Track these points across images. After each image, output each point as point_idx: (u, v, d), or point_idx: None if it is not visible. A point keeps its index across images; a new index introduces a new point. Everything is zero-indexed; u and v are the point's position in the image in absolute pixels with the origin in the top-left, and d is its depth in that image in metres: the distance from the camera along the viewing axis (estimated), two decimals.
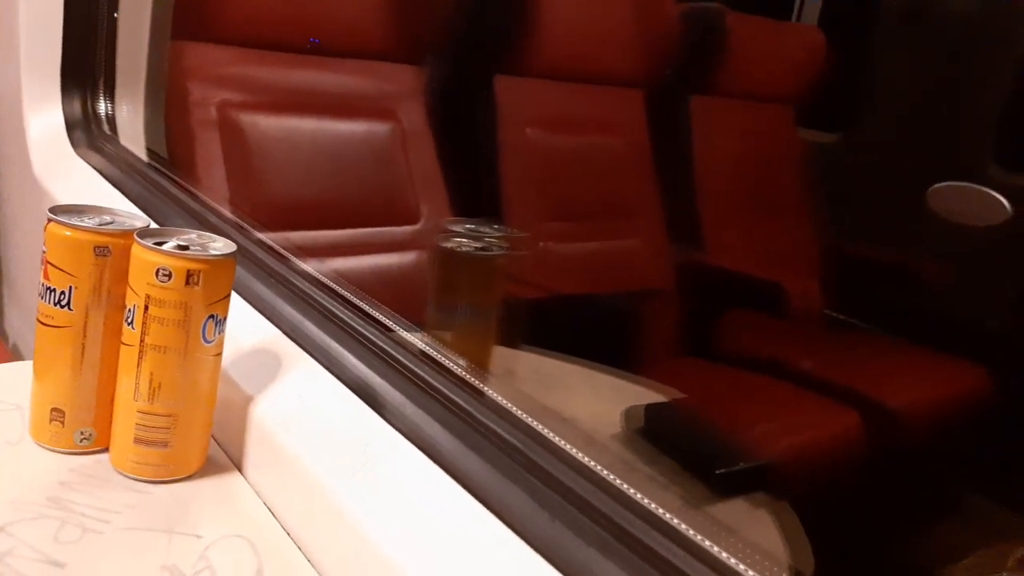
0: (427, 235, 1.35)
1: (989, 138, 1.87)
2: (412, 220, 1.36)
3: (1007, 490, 1.48)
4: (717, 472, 0.78)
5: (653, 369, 1.51)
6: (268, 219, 1.18)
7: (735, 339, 1.70)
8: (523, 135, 1.53)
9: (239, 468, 0.60)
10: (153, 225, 0.59)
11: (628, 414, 0.80)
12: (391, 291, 1.31)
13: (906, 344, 1.74)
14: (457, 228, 0.77)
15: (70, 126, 1.04)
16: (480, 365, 0.63)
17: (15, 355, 1.26)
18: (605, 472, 0.47)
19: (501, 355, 0.77)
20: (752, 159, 1.90)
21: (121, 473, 0.56)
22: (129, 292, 0.54)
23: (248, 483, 0.59)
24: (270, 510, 0.56)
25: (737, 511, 0.69)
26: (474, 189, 1.49)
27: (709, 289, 1.73)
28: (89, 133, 1.04)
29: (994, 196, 1.78)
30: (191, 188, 0.93)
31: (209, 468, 0.59)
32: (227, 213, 0.90)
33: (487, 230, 0.76)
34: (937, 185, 1.81)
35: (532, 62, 1.54)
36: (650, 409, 0.82)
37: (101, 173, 0.96)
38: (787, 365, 1.55)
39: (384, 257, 1.34)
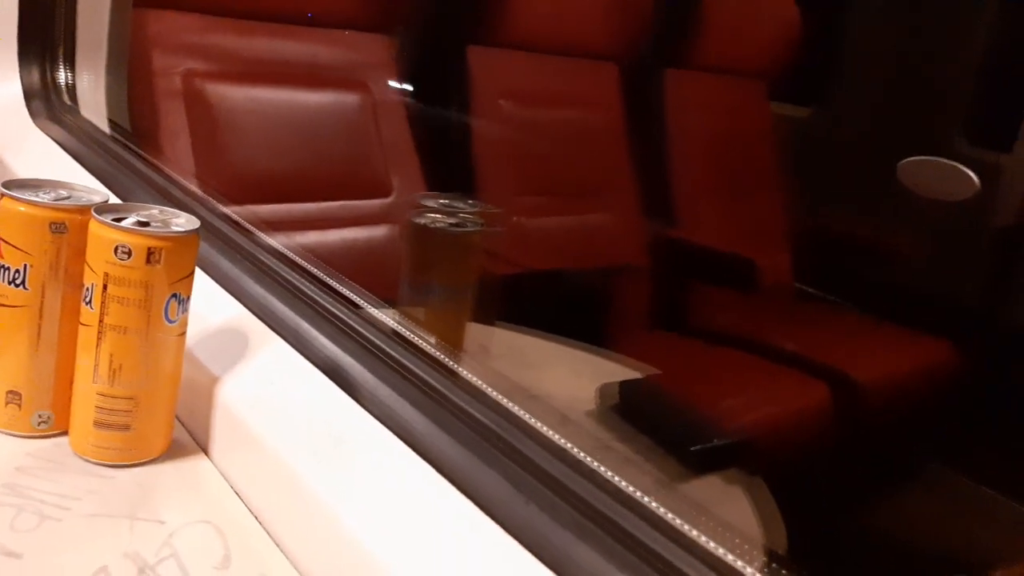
0: (398, 208, 1.33)
1: (957, 112, 1.88)
2: (383, 193, 1.34)
3: (971, 462, 1.51)
4: (691, 449, 0.78)
5: (626, 344, 1.51)
6: (234, 192, 1.15)
7: (707, 314, 1.70)
8: (496, 107, 1.51)
9: (205, 451, 0.58)
10: (113, 199, 0.56)
11: (603, 391, 0.79)
12: (361, 266, 1.30)
13: (875, 318, 1.76)
14: (431, 203, 0.75)
15: (28, 96, 1.00)
16: (454, 343, 0.62)
17: None
18: (580, 453, 0.46)
19: (475, 332, 0.76)
20: (725, 133, 1.90)
21: (81, 457, 0.55)
22: (87, 270, 0.52)
23: (215, 467, 0.57)
24: (238, 495, 0.55)
25: (711, 488, 0.69)
26: (447, 162, 1.47)
27: (682, 264, 1.73)
28: (48, 104, 1.01)
29: (963, 171, 1.79)
30: (155, 161, 0.90)
31: (174, 452, 0.58)
32: (192, 187, 0.88)
33: (461, 205, 0.75)
34: (908, 159, 1.82)
35: (506, 33, 1.51)
36: (625, 386, 0.82)
37: (61, 145, 0.92)
38: (758, 340, 1.56)
39: (354, 231, 1.31)
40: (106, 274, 0.51)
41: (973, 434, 1.53)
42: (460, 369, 0.54)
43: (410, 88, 1.41)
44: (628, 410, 0.76)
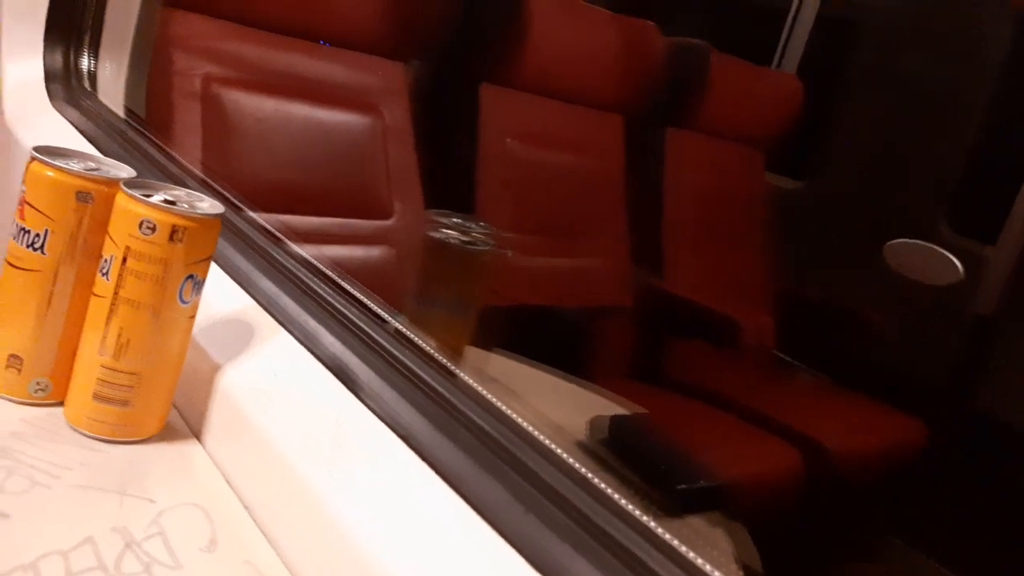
0: (398, 232, 1.34)
1: (943, 199, 1.94)
2: (384, 215, 1.35)
3: (924, 536, 1.54)
4: (679, 488, 0.79)
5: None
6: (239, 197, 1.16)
7: (686, 368, 1.72)
8: (503, 145, 1.54)
9: (198, 437, 0.58)
10: None
11: (593, 424, 0.79)
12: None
13: (848, 390, 1.79)
14: (444, 220, 0.76)
15: (49, 78, 1.01)
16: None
17: None
18: (582, 468, 0.47)
19: (474, 353, 0.76)
20: (719, 195, 1.94)
21: (75, 429, 0.54)
22: (108, 242, 0.52)
23: (207, 453, 0.57)
24: (228, 482, 0.54)
25: (695, 527, 0.69)
26: (449, 192, 1.49)
27: (665, 316, 1.75)
28: (68, 87, 1.01)
29: (948, 258, 1.83)
30: (171, 151, 0.91)
31: (167, 434, 0.57)
32: (206, 179, 0.88)
33: (474, 226, 0.76)
34: (894, 241, 1.87)
35: (519, 75, 1.55)
36: (615, 420, 0.82)
37: (77, 128, 0.93)
38: (734, 399, 1.57)
39: (351, 249, 1.32)
40: (127, 247, 0.51)
41: (931, 511, 1.55)
42: (465, 377, 0.54)
43: (421, 117, 1.43)
44: (617, 444, 0.76)
